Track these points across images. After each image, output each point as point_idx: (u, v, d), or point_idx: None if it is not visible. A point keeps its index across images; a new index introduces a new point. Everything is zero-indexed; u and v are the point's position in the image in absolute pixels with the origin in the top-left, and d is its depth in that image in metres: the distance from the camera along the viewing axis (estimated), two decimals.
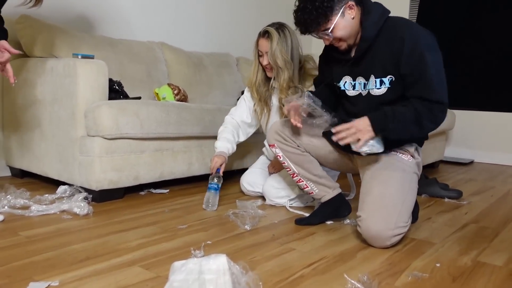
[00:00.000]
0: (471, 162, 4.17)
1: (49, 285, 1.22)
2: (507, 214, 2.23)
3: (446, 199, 2.51)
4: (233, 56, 3.72)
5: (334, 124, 1.68)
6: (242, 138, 2.38)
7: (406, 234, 1.79)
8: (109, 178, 2.12)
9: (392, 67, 1.65)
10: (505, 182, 3.19)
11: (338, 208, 1.93)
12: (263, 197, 2.30)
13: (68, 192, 2.17)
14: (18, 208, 1.94)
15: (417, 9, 4.43)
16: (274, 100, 2.31)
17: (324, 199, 1.92)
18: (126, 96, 2.45)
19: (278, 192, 2.19)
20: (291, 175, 1.93)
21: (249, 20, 4.15)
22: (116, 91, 2.39)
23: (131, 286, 1.24)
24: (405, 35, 1.61)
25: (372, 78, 1.70)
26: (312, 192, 1.92)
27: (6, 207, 1.93)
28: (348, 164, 1.94)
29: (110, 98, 2.28)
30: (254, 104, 2.36)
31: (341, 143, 1.63)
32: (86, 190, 2.13)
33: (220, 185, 2.16)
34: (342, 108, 1.85)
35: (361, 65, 1.72)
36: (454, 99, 4.18)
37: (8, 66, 1.87)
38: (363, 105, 1.74)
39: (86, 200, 2.02)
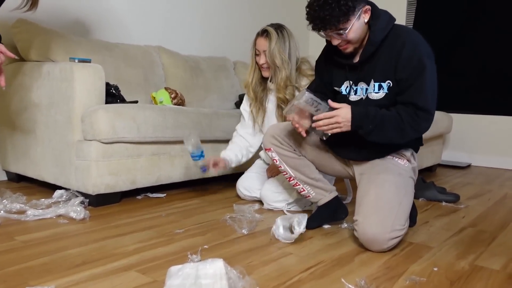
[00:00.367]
0: (468, 166, 4.18)
1: None
2: (505, 218, 2.23)
3: (444, 203, 2.51)
4: (230, 60, 3.73)
5: None
6: (254, 149, 2.43)
7: (404, 238, 1.79)
8: (105, 182, 2.11)
9: (391, 72, 1.66)
10: (502, 185, 3.20)
11: (335, 211, 1.93)
12: (260, 201, 2.29)
13: (64, 196, 2.17)
14: (14, 213, 1.93)
15: (414, 13, 4.44)
16: (271, 101, 2.32)
17: (321, 203, 1.92)
18: (123, 100, 2.44)
19: (276, 196, 2.19)
20: (288, 179, 1.93)
21: (246, 24, 4.16)
22: (113, 95, 2.39)
23: None
24: (406, 41, 1.64)
25: (372, 82, 1.71)
26: (309, 196, 1.92)
27: (2, 211, 1.92)
28: (344, 168, 1.94)
29: (107, 102, 2.28)
30: (250, 105, 2.37)
31: (317, 128, 1.64)
32: (83, 194, 2.12)
33: (199, 153, 2.17)
34: None
35: (363, 70, 1.72)
36: (451, 103, 4.20)
37: (1, 68, 1.86)
38: None
39: (83, 205, 2.01)
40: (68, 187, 2.21)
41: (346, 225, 1.94)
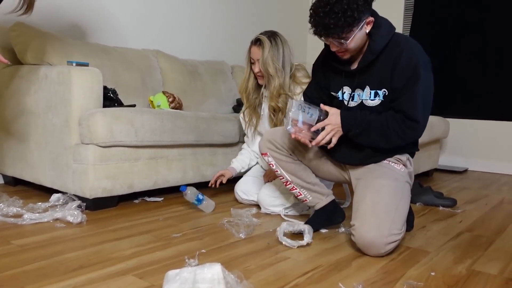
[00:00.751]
0: (465, 171, 4.19)
1: None
2: (501, 223, 2.23)
3: (441, 208, 2.52)
4: (228, 64, 3.73)
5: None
6: (254, 161, 2.52)
7: (401, 243, 1.79)
8: (103, 186, 2.11)
9: (387, 80, 1.68)
10: (499, 190, 3.21)
11: (332, 215, 1.94)
12: (257, 205, 2.29)
13: (61, 200, 2.16)
14: (10, 217, 1.92)
15: (410, 19, 4.46)
16: (265, 108, 2.33)
17: (318, 206, 1.92)
18: (120, 104, 2.44)
19: (273, 201, 2.18)
20: (284, 183, 1.93)
21: (244, 28, 4.17)
22: (110, 99, 2.39)
23: None
24: (404, 51, 1.65)
25: (367, 89, 1.72)
26: (306, 200, 1.92)
27: None
28: (340, 173, 1.94)
29: (104, 106, 2.28)
30: (244, 111, 2.40)
31: (319, 144, 1.68)
32: (80, 198, 2.12)
33: (196, 197, 2.20)
34: None
35: (361, 76, 1.73)
36: (448, 108, 4.21)
37: None
38: None
39: (80, 208, 2.01)
40: (65, 191, 2.21)
41: (343, 230, 1.94)
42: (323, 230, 1.93)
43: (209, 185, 2.39)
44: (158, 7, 3.44)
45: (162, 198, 2.44)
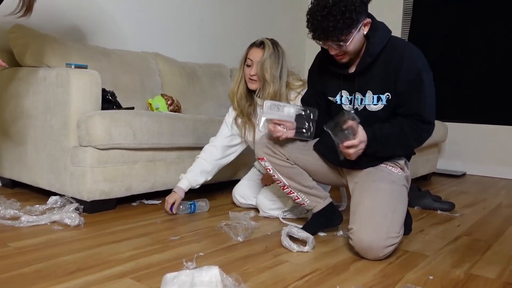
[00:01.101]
0: (464, 175, 4.19)
1: None
2: (499, 227, 2.24)
3: (439, 211, 2.52)
4: (227, 67, 3.74)
5: (307, 116, 1.74)
6: (226, 160, 2.34)
7: (399, 246, 1.79)
8: (101, 188, 2.10)
9: (390, 84, 1.68)
10: (497, 194, 3.21)
11: (331, 217, 1.94)
12: (255, 209, 2.29)
13: (59, 202, 2.16)
14: (7, 219, 1.91)
15: (409, 23, 4.48)
16: (259, 116, 2.27)
17: (315, 210, 1.92)
18: (119, 107, 2.44)
19: (271, 204, 2.18)
20: (282, 187, 1.92)
21: (243, 32, 4.18)
22: (109, 101, 2.39)
23: None
24: (404, 54, 1.66)
25: (370, 94, 1.72)
26: (303, 203, 1.92)
27: None
28: (337, 177, 1.94)
29: (103, 108, 2.27)
30: (237, 119, 2.31)
31: (348, 157, 1.66)
32: (78, 200, 2.11)
33: (189, 209, 2.22)
34: None
35: (359, 80, 1.73)
36: (446, 112, 4.22)
37: None
38: None
39: (77, 211, 2.00)
40: (63, 193, 2.20)
41: (341, 233, 1.94)
42: (322, 234, 1.93)
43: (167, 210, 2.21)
44: (157, 10, 3.44)
45: (160, 201, 2.43)
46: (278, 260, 1.58)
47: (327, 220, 1.93)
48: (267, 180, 2.36)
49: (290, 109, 1.72)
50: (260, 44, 2.17)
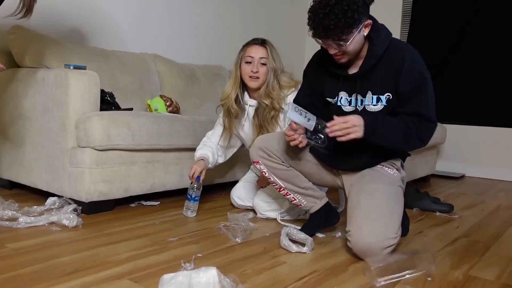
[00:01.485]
0: (462, 176, 4.19)
1: None
2: (498, 228, 2.23)
3: (438, 213, 2.52)
4: (225, 68, 3.73)
5: (323, 127, 1.66)
6: (221, 160, 2.36)
7: (398, 248, 1.78)
8: (99, 189, 2.10)
9: (391, 85, 1.68)
10: (495, 196, 3.21)
11: (327, 217, 1.94)
12: (254, 210, 2.29)
13: (57, 203, 2.15)
14: (5, 220, 1.91)
15: (408, 25, 4.48)
16: (248, 119, 2.28)
17: (312, 210, 1.92)
18: (117, 107, 2.44)
19: (267, 206, 2.18)
20: (278, 189, 1.92)
21: (242, 33, 4.17)
22: (107, 102, 2.39)
23: None
24: (406, 56, 1.67)
25: (369, 94, 1.71)
26: (300, 205, 1.92)
27: None
28: (333, 179, 1.94)
29: (101, 109, 2.27)
30: (225, 121, 2.31)
31: (331, 135, 1.62)
32: (76, 201, 2.11)
33: (199, 195, 2.19)
34: None
35: (361, 82, 1.72)
36: (445, 114, 4.22)
37: None
38: None
39: (76, 212, 2.00)
40: (61, 194, 2.20)
41: (340, 234, 1.94)
42: (320, 235, 1.93)
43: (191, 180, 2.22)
44: (156, 11, 3.44)
45: (159, 202, 2.43)
46: (277, 261, 1.58)
47: (324, 220, 1.93)
48: (262, 182, 2.35)
49: (311, 118, 1.67)
50: (263, 42, 2.21)
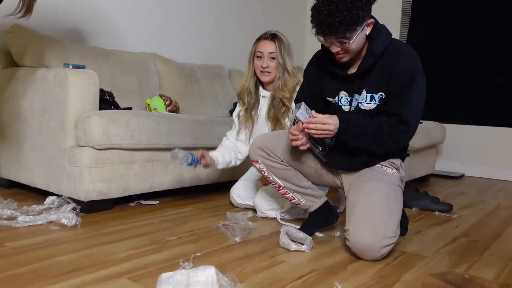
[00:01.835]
0: (462, 176, 4.19)
1: None
2: (497, 228, 2.23)
3: (437, 213, 2.51)
4: (225, 68, 3.73)
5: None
6: (241, 156, 2.38)
7: (397, 247, 1.78)
8: (98, 189, 2.10)
9: (384, 84, 1.68)
10: (495, 196, 3.21)
11: (326, 216, 1.94)
12: (253, 209, 2.29)
13: (56, 203, 2.15)
14: (4, 219, 1.91)
15: (407, 25, 4.48)
16: (263, 110, 2.31)
17: (311, 209, 1.92)
18: (117, 107, 2.44)
19: (269, 204, 2.18)
20: (277, 188, 1.92)
21: (242, 33, 4.18)
22: (107, 102, 2.39)
23: None
24: (401, 56, 1.67)
25: (364, 92, 1.71)
26: (299, 204, 1.92)
27: None
28: (332, 179, 1.94)
29: (101, 108, 2.27)
30: (240, 113, 2.36)
31: (306, 131, 1.63)
32: (75, 201, 2.11)
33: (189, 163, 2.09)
34: None
35: (358, 81, 1.72)
36: (445, 113, 4.22)
37: None
38: None
39: (75, 211, 2.00)
40: (60, 194, 2.19)
41: (339, 234, 1.94)
42: (319, 234, 1.93)
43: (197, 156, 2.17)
44: (156, 11, 3.44)
45: (158, 201, 2.43)
46: (275, 260, 1.58)
47: (323, 219, 1.93)
48: (265, 180, 2.35)
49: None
50: (273, 37, 2.23)
